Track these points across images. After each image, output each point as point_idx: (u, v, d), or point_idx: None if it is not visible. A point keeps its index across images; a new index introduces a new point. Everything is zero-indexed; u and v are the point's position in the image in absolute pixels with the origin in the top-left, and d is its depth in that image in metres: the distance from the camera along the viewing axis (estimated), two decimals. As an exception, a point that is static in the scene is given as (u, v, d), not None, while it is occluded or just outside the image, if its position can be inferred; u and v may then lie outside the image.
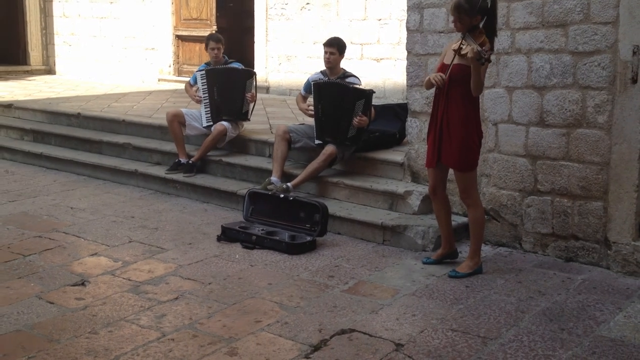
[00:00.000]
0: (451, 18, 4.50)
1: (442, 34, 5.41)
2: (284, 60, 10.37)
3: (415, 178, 5.73)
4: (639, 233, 4.60)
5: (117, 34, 12.37)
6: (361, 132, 5.93)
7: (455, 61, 4.38)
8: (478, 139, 4.54)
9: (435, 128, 4.55)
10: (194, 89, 7.01)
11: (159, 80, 11.85)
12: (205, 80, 6.84)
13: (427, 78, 4.62)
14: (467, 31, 4.36)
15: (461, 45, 4.33)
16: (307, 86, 6.31)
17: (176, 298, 4.16)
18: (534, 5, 4.85)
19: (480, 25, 4.40)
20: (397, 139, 6.37)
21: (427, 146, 4.72)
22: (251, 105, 6.84)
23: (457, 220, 5.24)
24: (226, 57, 6.99)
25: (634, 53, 4.40)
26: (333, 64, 6.09)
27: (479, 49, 4.18)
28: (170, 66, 11.82)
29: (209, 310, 3.99)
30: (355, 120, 5.79)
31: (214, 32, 10.60)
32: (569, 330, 3.78)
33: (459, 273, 4.58)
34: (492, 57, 5.05)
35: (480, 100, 5.16)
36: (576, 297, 4.26)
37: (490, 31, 4.41)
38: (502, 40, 5.02)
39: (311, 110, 6.14)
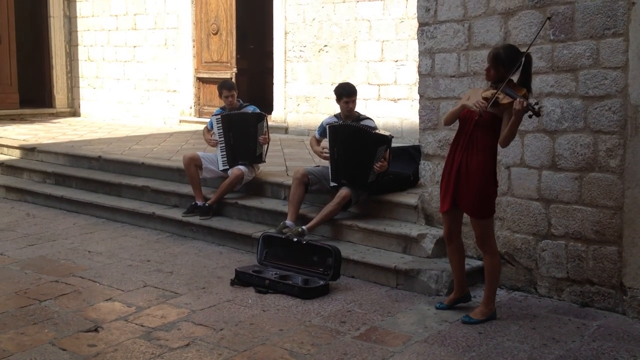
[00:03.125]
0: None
1: (453, 78, 5.45)
2: (302, 101, 10.49)
3: (429, 221, 5.72)
4: (655, 278, 4.54)
5: (140, 77, 12.64)
6: (380, 176, 5.97)
7: (488, 109, 4.36)
8: (495, 186, 4.54)
9: (450, 172, 4.55)
10: (211, 133, 7.11)
11: (180, 122, 12.04)
12: (220, 125, 6.95)
13: (452, 110, 4.62)
14: (497, 81, 4.36)
15: (498, 95, 4.33)
16: (322, 129, 6.37)
17: (187, 345, 4.18)
18: (543, 50, 4.88)
19: (514, 79, 4.39)
20: (411, 181, 6.38)
21: (440, 189, 4.73)
22: (265, 147, 6.92)
23: (471, 263, 5.21)
24: (241, 101, 7.10)
25: (644, 97, 4.39)
26: (352, 111, 6.16)
27: (528, 101, 4.19)
28: (191, 107, 12.01)
29: (219, 358, 3.99)
30: (377, 166, 5.84)
31: (232, 75, 10.81)
32: (582, 379, 3.72)
33: (473, 319, 4.54)
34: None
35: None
36: (591, 344, 4.19)
37: (526, 88, 4.39)
38: (512, 84, 5.05)
39: (326, 152, 6.19)
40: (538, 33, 4.69)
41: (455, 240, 4.69)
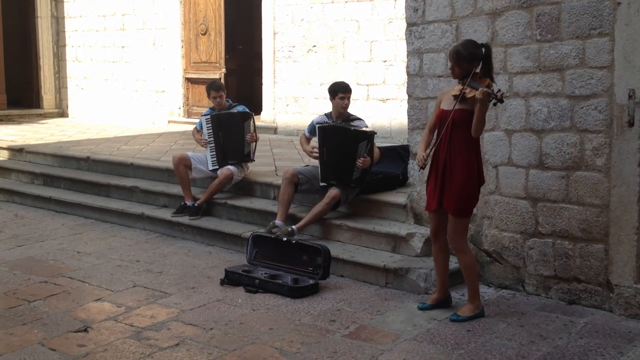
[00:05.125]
0: (450, 63, 4.59)
1: (441, 78, 5.49)
2: (292, 102, 10.50)
3: (418, 220, 5.75)
4: (641, 275, 4.59)
5: (129, 77, 12.60)
6: (365, 174, 5.98)
7: (457, 106, 4.45)
8: (479, 185, 4.59)
9: (436, 172, 4.60)
10: (201, 134, 7.11)
11: (169, 122, 12.02)
12: (210, 125, 6.95)
13: (424, 136, 4.80)
14: (464, 77, 4.45)
15: (464, 91, 4.40)
16: (312, 128, 6.38)
17: (177, 344, 4.18)
18: (530, 50, 4.93)
19: (478, 71, 4.49)
20: (400, 180, 6.41)
21: (427, 189, 4.77)
22: (252, 145, 6.93)
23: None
24: (230, 102, 7.11)
25: (630, 97, 4.44)
26: (345, 110, 6.18)
27: (488, 90, 4.29)
28: (180, 108, 11.99)
29: (209, 357, 4.00)
30: (359, 162, 5.85)
31: (221, 76, 10.81)
32: (569, 376, 3.76)
33: (461, 317, 4.58)
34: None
35: (480, 142, 5.21)
36: (578, 341, 4.23)
37: (488, 77, 4.49)
38: (500, 84, 5.08)
39: (316, 152, 6.20)
40: None
41: (441, 239, 4.73)
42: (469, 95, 4.40)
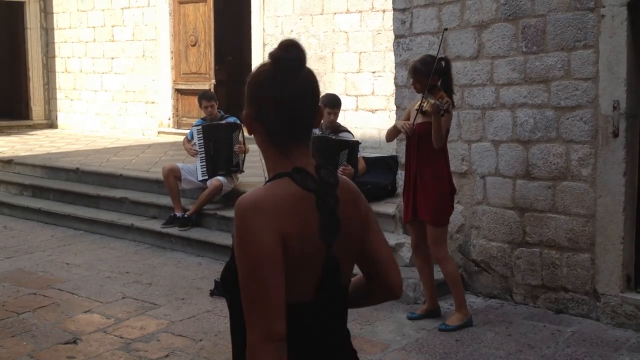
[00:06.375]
0: (411, 79, 4.69)
1: (429, 90, 5.54)
2: (281, 113, 10.52)
3: (407, 230, 5.78)
4: (627, 284, 4.64)
5: (118, 88, 12.60)
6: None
7: (419, 120, 4.56)
8: (451, 192, 4.66)
9: (409, 183, 4.69)
10: (192, 143, 7.12)
11: (158, 133, 12.02)
12: (201, 136, 6.97)
13: (390, 127, 4.79)
14: (426, 91, 4.53)
15: (422, 104, 4.49)
16: None
17: (167, 355, 4.19)
18: (516, 62, 4.99)
19: (439, 84, 4.58)
20: (389, 190, 6.45)
21: (402, 201, 4.83)
22: (241, 156, 6.95)
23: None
24: (222, 112, 7.14)
25: (614, 108, 4.51)
26: (333, 122, 6.21)
27: (437, 102, 4.37)
28: (169, 119, 12.00)
29: (199, 368, 4.01)
30: (339, 170, 5.88)
31: (210, 87, 10.82)
32: (556, 384, 3.79)
33: (449, 326, 4.61)
34: (478, 112, 5.19)
35: (467, 153, 5.28)
36: (565, 350, 4.27)
37: (448, 90, 4.58)
38: (487, 95, 5.15)
39: None
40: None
41: (422, 251, 4.78)
42: (427, 109, 4.48)
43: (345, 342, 1.77)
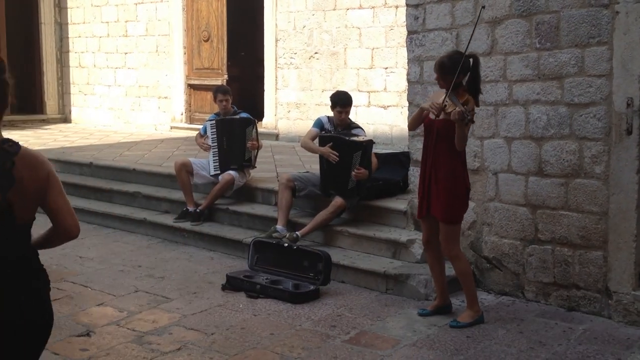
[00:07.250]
0: (435, 75, 4.62)
1: (442, 86, 5.52)
2: (293, 108, 10.55)
3: (418, 226, 5.76)
4: (639, 282, 4.62)
5: (131, 83, 12.67)
6: (361, 184, 5.99)
7: (441, 116, 4.47)
8: (466, 192, 4.62)
9: (424, 180, 4.66)
10: (204, 138, 7.15)
11: (171, 128, 12.08)
12: (214, 130, 7.00)
13: (414, 114, 4.75)
14: (450, 88, 4.45)
15: (445, 103, 4.43)
16: (319, 124, 6.33)
17: (179, 349, 4.22)
18: (529, 59, 4.97)
19: (464, 82, 4.51)
20: (401, 187, 6.45)
21: (417, 196, 4.82)
22: (254, 152, 6.97)
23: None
24: (235, 108, 7.17)
25: (628, 105, 4.48)
26: (345, 120, 6.21)
27: (462, 109, 4.28)
28: (182, 114, 12.05)
29: (210, 362, 4.04)
30: (353, 173, 5.88)
31: (223, 82, 10.85)
32: (567, 381, 3.78)
33: (460, 323, 4.61)
34: (491, 109, 5.18)
35: (480, 150, 5.27)
36: (577, 347, 4.26)
37: (474, 90, 4.52)
38: (499, 92, 5.14)
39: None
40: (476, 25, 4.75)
41: (433, 247, 4.76)
42: (449, 110, 4.41)
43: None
